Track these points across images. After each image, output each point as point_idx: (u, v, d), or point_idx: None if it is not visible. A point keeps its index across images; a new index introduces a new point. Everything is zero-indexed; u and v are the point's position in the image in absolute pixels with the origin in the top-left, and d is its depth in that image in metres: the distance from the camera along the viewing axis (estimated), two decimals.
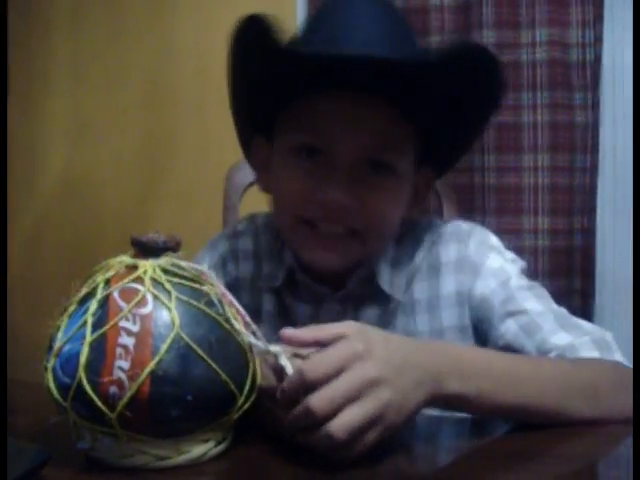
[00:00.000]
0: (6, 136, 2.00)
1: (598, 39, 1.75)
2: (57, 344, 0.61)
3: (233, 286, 0.99)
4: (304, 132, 0.83)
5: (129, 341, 0.57)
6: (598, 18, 1.74)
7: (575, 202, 1.77)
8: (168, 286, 0.60)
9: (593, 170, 1.77)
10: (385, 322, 0.91)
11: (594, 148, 1.76)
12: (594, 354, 0.81)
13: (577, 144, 1.76)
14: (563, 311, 0.89)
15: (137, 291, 0.60)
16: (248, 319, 0.64)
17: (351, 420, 0.57)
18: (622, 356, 0.83)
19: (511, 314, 0.87)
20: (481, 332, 0.91)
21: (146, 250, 0.64)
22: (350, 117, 0.81)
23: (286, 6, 2.03)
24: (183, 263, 0.64)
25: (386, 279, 0.91)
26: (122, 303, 0.59)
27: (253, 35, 0.78)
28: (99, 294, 0.61)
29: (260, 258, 1.00)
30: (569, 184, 1.76)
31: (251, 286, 1.00)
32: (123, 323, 0.57)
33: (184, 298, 0.60)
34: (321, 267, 0.87)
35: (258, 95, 0.86)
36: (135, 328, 0.57)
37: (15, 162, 2.34)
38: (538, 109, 1.76)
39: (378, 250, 0.90)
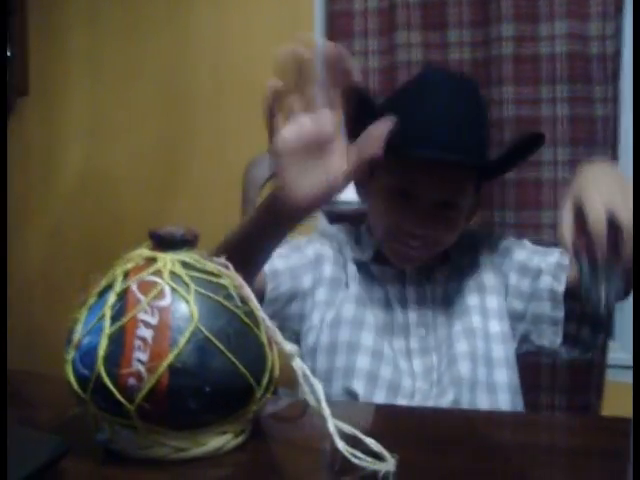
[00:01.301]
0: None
1: (618, 31, 1.73)
2: (76, 337, 0.61)
3: (317, 260, 1.21)
4: (402, 179, 1.11)
5: (147, 333, 0.57)
6: (618, 10, 1.72)
7: None
8: (186, 279, 0.60)
9: (613, 163, 1.75)
10: (448, 279, 1.21)
11: (614, 141, 1.74)
12: None
13: (597, 138, 1.74)
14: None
15: (155, 284, 0.60)
16: (262, 314, 0.64)
17: None
18: None
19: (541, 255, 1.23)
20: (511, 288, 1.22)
21: (164, 243, 0.65)
22: (435, 172, 1.09)
23: (303, 4, 2.03)
24: (202, 256, 0.64)
25: (452, 250, 1.22)
26: (140, 296, 0.59)
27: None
28: (118, 287, 0.61)
29: (341, 247, 1.24)
30: None
31: (332, 261, 1.22)
32: (141, 315, 0.58)
33: (202, 291, 0.59)
34: (403, 267, 1.19)
35: None
36: (153, 320, 0.57)
37: (34, 160, 2.36)
38: (557, 102, 1.75)
39: (440, 253, 1.20)
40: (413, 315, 1.18)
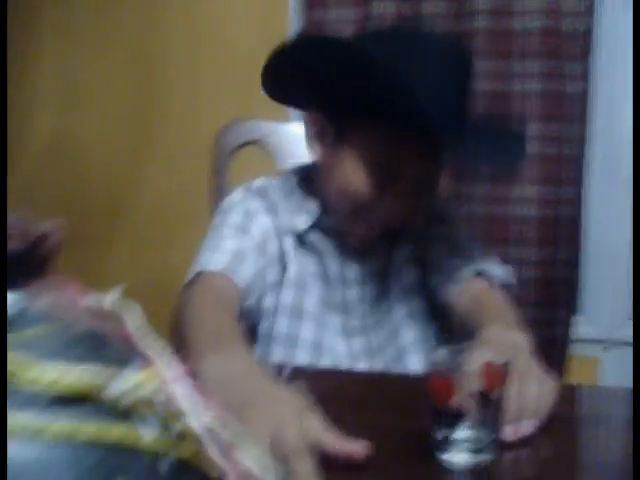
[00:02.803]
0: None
1: (590, 8, 1.74)
2: None
3: (263, 238, 1.12)
4: (382, 154, 0.99)
5: None
6: None
7: (563, 172, 1.77)
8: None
9: (581, 140, 1.77)
10: (390, 253, 1.15)
11: (583, 118, 1.76)
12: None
13: (567, 114, 1.75)
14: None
15: None
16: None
17: None
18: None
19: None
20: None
21: None
22: (423, 147, 1.00)
23: None
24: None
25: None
26: None
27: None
28: None
29: (275, 213, 1.13)
30: (557, 154, 1.76)
31: (270, 237, 1.12)
32: None
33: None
34: (362, 241, 1.10)
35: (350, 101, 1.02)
36: None
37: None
38: (528, 78, 1.76)
39: None
40: (352, 291, 1.12)
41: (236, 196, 1.15)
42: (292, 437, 0.60)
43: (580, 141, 1.77)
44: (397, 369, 1.10)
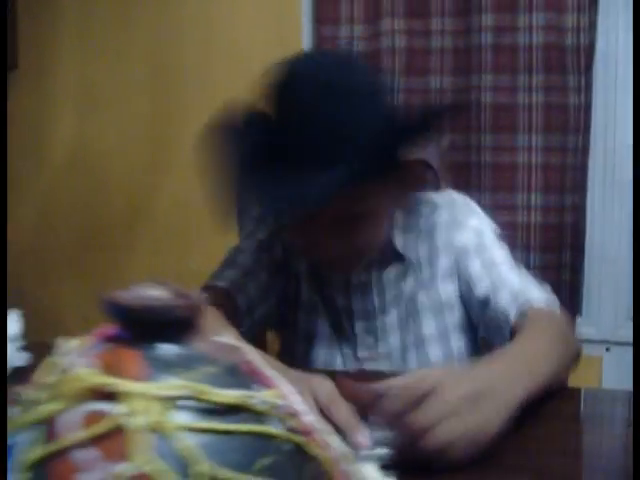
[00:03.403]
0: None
1: (592, 24, 1.81)
2: None
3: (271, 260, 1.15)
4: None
5: None
6: (593, 3, 1.80)
7: (567, 180, 1.85)
8: (188, 445, 0.30)
9: (584, 150, 1.84)
10: (400, 279, 1.13)
11: (586, 129, 1.83)
12: (537, 292, 1.05)
13: (570, 125, 1.83)
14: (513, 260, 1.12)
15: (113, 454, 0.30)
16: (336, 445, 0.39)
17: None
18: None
19: (479, 255, 1.11)
20: (459, 271, 1.13)
21: (137, 329, 0.35)
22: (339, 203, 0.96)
23: None
24: (209, 357, 0.35)
25: (399, 243, 1.11)
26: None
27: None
28: (35, 451, 0.31)
29: (285, 249, 1.16)
30: (561, 163, 1.84)
31: (281, 265, 1.15)
32: None
33: (223, 470, 0.31)
34: (340, 275, 1.12)
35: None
36: None
37: (24, 134, 2.39)
38: (533, 91, 1.83)
39: (375, 250, 1.09)
40: (360, 324, 1.12)
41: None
42: (325, 392, 0.70)
43: (583, 150, 1.84)
44: None
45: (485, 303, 1.06)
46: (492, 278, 1.07)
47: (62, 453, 0.29)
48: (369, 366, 1.11)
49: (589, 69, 1.83)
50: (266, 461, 0.30)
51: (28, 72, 2.38)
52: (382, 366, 1.11)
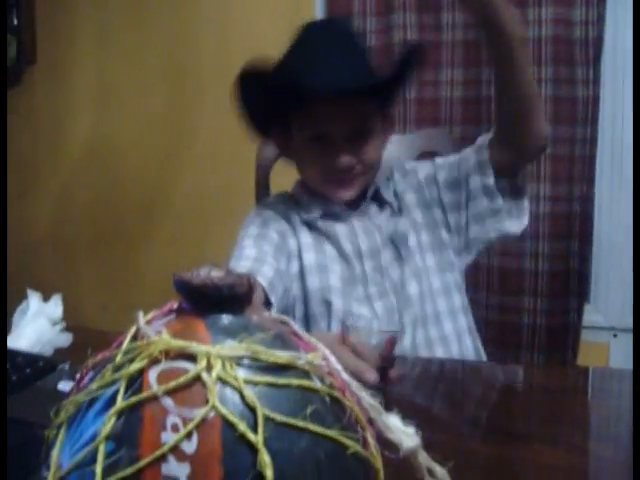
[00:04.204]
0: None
1: (600, 17, 1.86)
2: (53, 469, 0.39)
3: (282, 237, 1.30)
4: (311, 128, 1.26)
5: (181, 470, 0.36)
6: None
7: (575, 171, 1.90)
8: (249, 395, 0.37)
9: (592, 141, 1.89)
10: (393, 223, 1.32)
11: (594, 121, 1.88)
12: None
13: (578, 117, 1.88)
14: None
15: (192, 395, 0.37)
16: (369, 401, 0.43)
17: None
18: None
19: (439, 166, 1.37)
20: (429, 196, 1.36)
21: (200, 302, 0.41)
22: (337, 111, 1.23)
23: None
24: (263, 324, 0.42)
25: (385, 192, 1.35)
26: (167, 416, 0.37)
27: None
28: (120, 400, 0.38)
29: (289, 215, 1.34)
30: (570, 154, 1.89)
31: (287, 234, 1.32)
32: (167, 441, 0.36)
33: (273, 409, 0.37)
34: (344, 199, 1.30)
35: (270, 108, 1.31)
36: (190, 448, 0.36)
37: (42, 127, 2.45)
38: (542, 83, 1.88)
39: (375, 176, 1.33)
40: (369, 263, 1.29)
41: (253, 212, 1.35)
42: (329, 341, 0.80)
43: (591, 142, 1.89)
44: (408, 315, 1.27)
45: (457, 163, 1.32)
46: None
47: (154, 399, 0.36)
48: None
49: (597, 61, 1.87)
50: (310, 409, 0.38)
51: (46, 67, 2.43)
52: (387, 302, 1.26)
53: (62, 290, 2.47)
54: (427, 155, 1.51)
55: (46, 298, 0.97)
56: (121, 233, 2.38)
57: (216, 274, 0.40)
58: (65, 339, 0.89)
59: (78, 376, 0.40)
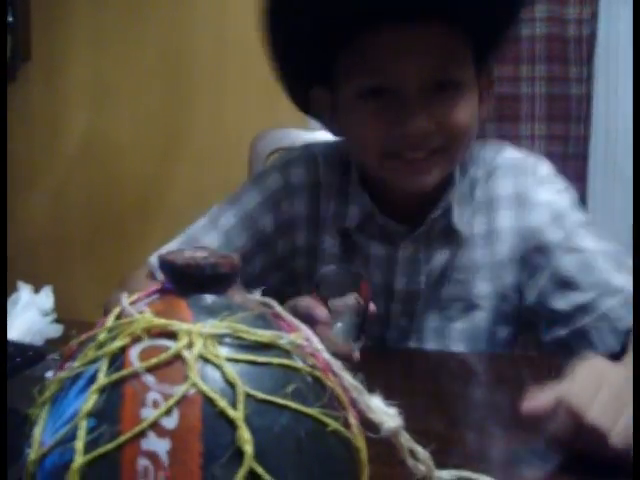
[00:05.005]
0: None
1: (594, 15, 1.87)
2: (35, 445, 0.39)
3: (287, 226, 1.02)
4: (367, 75, 0.87)
5: (160, 446, 0.36)
6: None
7: (568, 169, 1.90)
8: (230, 373, 0.37)
9: (585, 139, 1.90)
10: (452, 259, 0.98)
11: (587, 118, 1.89)
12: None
13: (571, 115, 1.88)
14: (614, 248, 0.95)
15: (172, 372, 0.37)
16: (350, 381, 0.42)
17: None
18: None
19: (569, 251, 0.93)
20: (531, 263, 0.96)
21: (184, 282, 0.41)
22: (405, 46, 0.85)
23: None
24: (245, 303, 0.42)
25: (457, 215, 0.96)
26: (147, 392, 0.37)
27: None
28: (102, 376, 0.38)
29: (318, 193, 1.01)
30: (563, 152, 1.89)
31: (307, 224, 1.01)
32: (146, 416, 0.36)
33: (257, 392, 0.37)
34: (417, 189, 0.92)
35: (311, 45, 0.91)
36: (171, 423, 0.36)
37: (38, 125, 2.44)
38: (536, 81, 1.89)
39: (462, 157, 0.95)
40: (397, 306, 1.00)
41: (274, 171, 1.04)
42: (304, 302, 0.77)
43: (584, 140, 1.90)
44: None
45: (583, 308, 0.91)
46: (593, 280, 0.91)
47: (135, 376, 0.36)
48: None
49: (591, 60, 1.88)
50: (291, 388, 0.38)
51: (41, 64, 2.42)
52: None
53: (57, 287, 2.46)
54: None
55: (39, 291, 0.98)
56: (117, 231, 2.38)
57: (200, 254, 0.40)
58: (56, 330, 0.89)
59: (63, 356, 0.41)
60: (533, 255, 0.96)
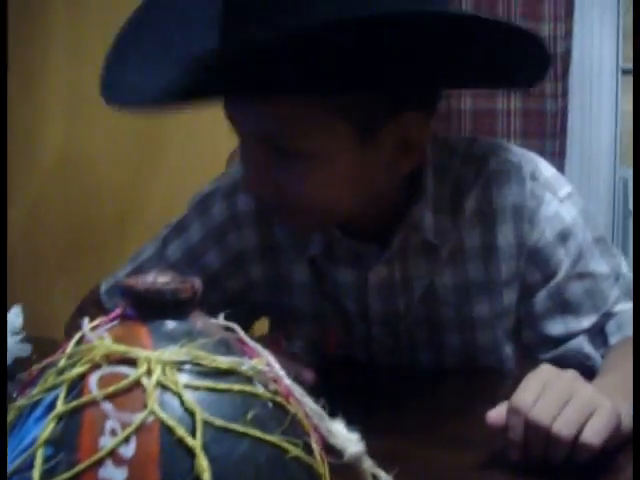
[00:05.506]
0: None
1: (569, 32, 1.89)
2: None
3: (237, 262, 0.95)
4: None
5: (117, 475, 0.35)
6: (568, 14, 1.87)
7: None
8: (189, 399, 0.37)
9: (561, 154, 1.92)
10: (434, 274, 0.89)
11: (562, 134, 1.91)
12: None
13: (547, 130, 1.90)
14: (625, 273, 0.90)
15: (133, 400, 0.37)
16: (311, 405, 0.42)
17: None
18: None
19: (575, 275, 0.88)
20: (531, 283, 0.91)
21: (145, 308, 0.41)
22: (240, 116, 0.77)
23: None
24: (206, 329, 0.41)
25: (429, 228, 0.86)
26: (106, 420, 0.36)
27: None
28: (60, 404, 0.37)
29: (271, 219, 0.92)
30: None
31: (262, 255, 0.94)
32: (104, 445, 0.36)
33: (216, 420, 0.37)
34: (302, 235, 0.89)
35: None
36: (128, 451, 0.35)
37: (14, 138, 2.43)
38: (512, 97, 1.91)
39: (326, 220, 0.85)
40: (377, 328, 0.93)
41: (216, 192, 0.97)
42: None
43: (559, 155, 1.92)
44: None
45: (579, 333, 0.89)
46: (598, 307, 0.88)
47: (94, 404, 0.36)
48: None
49: (565, 76, 1.90)
50: (251, 414, 0.37)
51: (18, 75, 2.41)
52: None
53: (32, 302, 2.43)
54: None
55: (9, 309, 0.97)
56: (94, 243, 2.36)
57: (162, 279, 0.39)
58: (25, 349, 0.89)
59: (22, 382, 0.41)
60: (534, 275, 0.89)
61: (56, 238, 2.41)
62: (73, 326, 0.85)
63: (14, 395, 0.58)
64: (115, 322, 0.41)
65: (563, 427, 0.63)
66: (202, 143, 2.21)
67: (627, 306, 0.88)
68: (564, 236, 0.87)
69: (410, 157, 0.79)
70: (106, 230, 2.35)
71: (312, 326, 0.94)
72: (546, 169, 0.90)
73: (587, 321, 0.88)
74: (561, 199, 0.88)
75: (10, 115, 2.43)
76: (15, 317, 0.90)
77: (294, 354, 0.81)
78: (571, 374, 0.68)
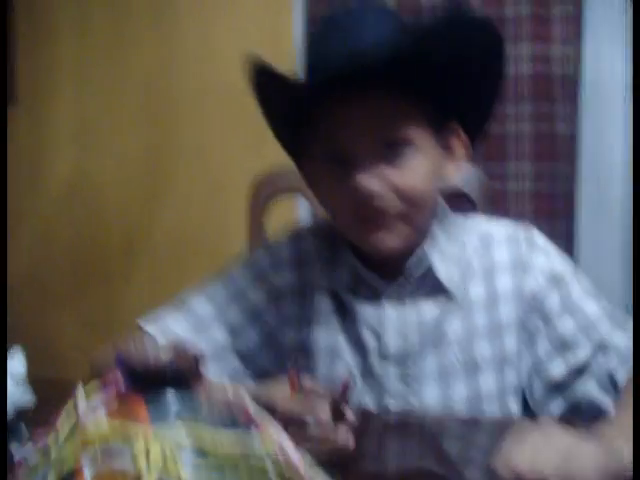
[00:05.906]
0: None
1: (578, 54, 1.86)
2: None
3: (275, 297, 1.03)
4: (325, 142, 0.91)
5: None
6: (577, 35, 1.85)
7: (556, 207, 1.89)
8: None
9: (572, 178, 1.89)
10: (444, 320, 0.96)
11: (573, 157, 1.88)
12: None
13: (558, 153, 1.87)
14: (612, 309, 0.97)
15: None
16: None
17: None
18: None
19: (568, 313, 0.95)
20: (530, 328, 0.97)
21: (143, 382, 0.38)
22: (351, 114, 0.89)
23: (283, 14, 2.13)
24: (208, 405, 0.39)
25: (442, 271, 0.96)
26: None
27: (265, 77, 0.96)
28: None
29: (303, 264, 1.03)
30: (550, 191, 1.88)
31: (293, 296, 1.02)
32: None
33: None
34: (380, 250, 0.92)
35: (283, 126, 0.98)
36: None
37: (23, 166, 2.42)
38: (521, 120, 1.88)
39: (424, 225, 0.96)
40: (392, 370, 0.96)
41: (259, 254, 1.08)
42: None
43: (570, 178, 1.89)
44: None
45: (581, 370, 0.92)
46: (592, 341, 0.92)
47: None
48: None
49: (575, 98, 1.87)
50: None
51: (27, 106, 2.41)
52: None
53: (41, 330, 2.40)
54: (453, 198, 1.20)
55: (23, 339, 0.93)
56: (102, 272, 2.35)
57: (161, 353, 0.37)
58: (27, 400, 0.86)
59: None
60: (532, 319, 0.97)
61: (64, 268, 2.40)
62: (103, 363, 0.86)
63: (11, 449, 0.55)
64: (112, 393, 0.39)
65: (523, 462, 0.66)
66: (210, 171, 2.20)
67: (623, 337, 0.92)
68: (555, 280, 0.96)
69: (450, 168, 0.96)
70: (114, 259, 2.33)
71: (326, 362, 0.99)
72: (539, 237, 1.02)
73: (582, 352, 0.93)
74: (553, 255, 1.00)
75: (19, 145, 2.43)
76: (18, 362, 0.87)
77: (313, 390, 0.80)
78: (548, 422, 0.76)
